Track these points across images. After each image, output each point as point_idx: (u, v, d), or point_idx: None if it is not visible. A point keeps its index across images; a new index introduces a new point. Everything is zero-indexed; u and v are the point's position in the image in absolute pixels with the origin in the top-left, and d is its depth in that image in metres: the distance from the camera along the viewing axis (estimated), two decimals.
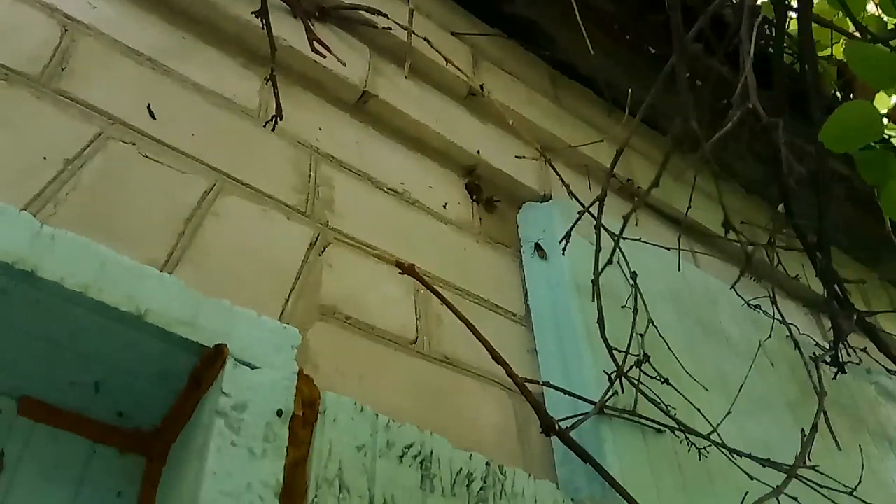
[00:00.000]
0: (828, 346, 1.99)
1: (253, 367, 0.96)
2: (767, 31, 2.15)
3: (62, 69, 1.22)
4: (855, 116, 1.46)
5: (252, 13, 1.40)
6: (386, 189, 1.55)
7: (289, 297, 1.21)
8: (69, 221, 1.02)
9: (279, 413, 0.93)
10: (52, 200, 1.05)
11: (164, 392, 0.98)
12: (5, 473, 0.91)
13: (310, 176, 1.43)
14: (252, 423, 0.89)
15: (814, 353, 1.97)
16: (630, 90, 1.76)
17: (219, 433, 0.86)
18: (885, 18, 2.33)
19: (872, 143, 1.69)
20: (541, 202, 1.81)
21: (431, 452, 1.05)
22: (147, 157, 1.21)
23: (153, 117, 1.27)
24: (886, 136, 2.18)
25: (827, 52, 2.39)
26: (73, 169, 1.11)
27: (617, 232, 1.56)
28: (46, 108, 1.15)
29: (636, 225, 1.85)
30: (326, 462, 0.94)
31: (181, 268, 1.11)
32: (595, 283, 1.35)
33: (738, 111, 1.27)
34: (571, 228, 1.46)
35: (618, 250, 1.57)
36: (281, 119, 1.37)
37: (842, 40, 2.23)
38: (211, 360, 0.95)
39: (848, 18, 1.79)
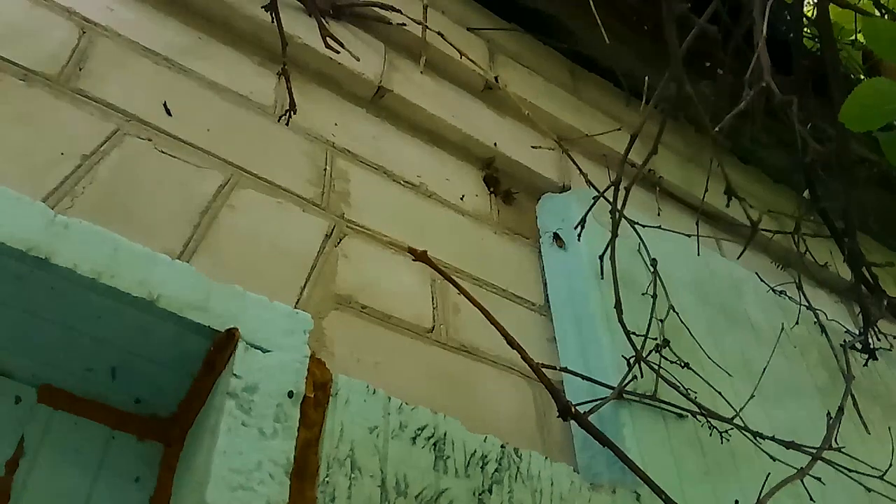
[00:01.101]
0: (858, 333, 1.96)
1: (264, 351, 0.97)
2: (787, 17, 2.13)
3: (80, 69, 1.25)
4: (875, 94, 1.44)
5: (262, 7, 1.42)
6: (402, 182, 1.56)
7: (304, 286, 1.23)
8: (86, 214, 1.04)
9: (290, 394, 0.94)
10: (70, 194, 1.08)
11: (179, 377, 1.00)
12: (25, 459, 0.93)
13: (325, 170, 1.44)
14: (263, 404, 0.91)
15: (843, 341, 1.93)
16: (647, 78, 1.75)
17: (229, 413, 0.88)
18: None
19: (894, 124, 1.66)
20: (559, 193, 1.81)
21: (445, 434, 1.05)
22: (163, 152, 1.24)
23: (169, 114, 1.30)
24: None
25: (851, 37, 2.36)
26: (90, 164, 1.14)
27: (635, 219, 1.56)
28: (64, 106, 1.18)
29: (658, 215, 1.84)
30: (338, 443, 0.95)
31: (197, 258, 1.13)
32: (611, 262, 1.34)
33: (752, 90, 1.25)
34: (587, 213, 1.46)
35: (638, 238, 1.56)
36: (294, 113, 1.39)
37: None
38: (223, 344, 0.97)
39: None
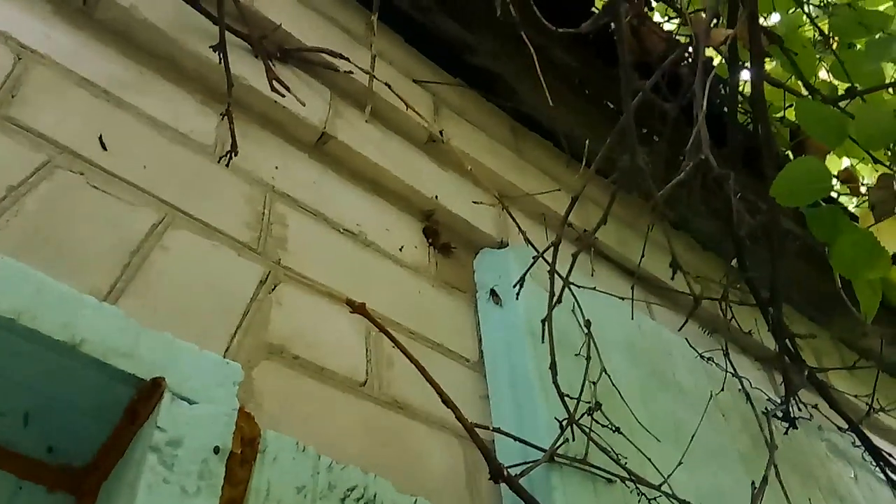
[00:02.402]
0: (779, 401, 2.00)
1: (191, 402, 0.93)
2: (722, 91, 2.21)
3: (12, 96, 1.20)
4: (804, 172, 1.50)
5: (210, 47, 1.40)
6: (342, 230, 1.54)
7: (235, 333, 1.19)
8: (9, 249, 0.99)
9: (216, 450, 0.89)
10: None
11: (97, 426, 0.94)
12: None
13: (263, 213, 1.41)
14: (187, 460, 0.86)
15: (766, 408, 1.97)
16: (588, 141, 1.78)
17: (150, 469, 0.83)
18: (836, 83, 2.41)
19: (821, 202, 1.73)
20: (497, 249, 1.81)
21: (375, 496, 1.02)
22: (95, 187, 1.19)
23: (104, 148, 1.25)
24: (835, 195, 2.23)
25: (780, 115, 2.46)
26: (17, 196, 1.08)
27: (570, 279, 1.57)
28: None
29: (592, 275, 1.86)
30: (264, 502, 0.91)
31: (124, 300, 1.08)
32: (548, 324, 1.34)
33: (690, 161, 1.28)
34: (526, 272, 1.46)
35: (573, 298, 1.57)
36: (236, 154, 1.36)
37: (794, 103, 2.29)
38: (148, 393, 0.92)
39: (799, 81, 1.86)
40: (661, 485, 1.35)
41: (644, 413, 1.58)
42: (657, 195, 1.24)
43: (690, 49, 1.68)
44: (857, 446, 2.27)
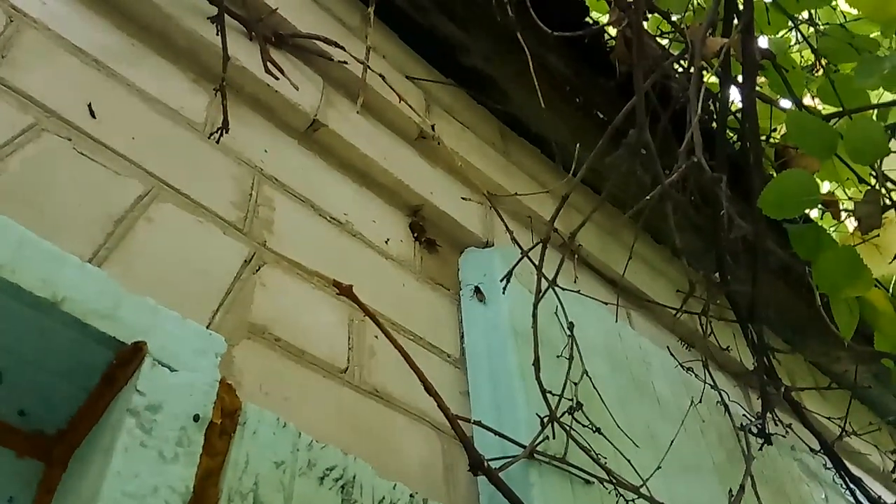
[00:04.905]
0: (755, 417, 2.00)
1: (172, 370, 0.90)
2: (711, 107, 2.23)
3: (2, 56, 1.17)
4: (793, 184, 1.51)
5: (208, 18, 1.38)
6: (329, 218, 1.52)
7: (217, 310, 1.16)
8: None
9: (196, 418, 0.87)
10: None
11: (72, 390, 0.91)
12: None
13: (250, 195, 1.39)
14: (165, 425, 0.84)
15: (741, 424, 1.97)
16: (577, 146, 1.78)
17: (128, 432, 0.80)
18: (823, 108, 2.44)
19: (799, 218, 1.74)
20: (482, 248, 1.80)
21: (354, 477, 1.00)
22: (82, 153, 1.16)
23: (93, 116, 1.23)
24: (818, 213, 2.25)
25: (764, 136, 2.48)
26: (2, 155, 1.06)
27: (553, 279, 1.56)
28: None
29: (575, 282, 1.85)
30: (242, 475, 0.88)
31: (106, 267, 1.05)
32: (533, 320, 1.33)
33: (682, 164, 1.28)
34: (513, 268, 1.45)
35: (556, 299, 1.56)
36: (227, 131, 1.34)
37: (783, 120, 2.31)
38: (128, 358, 0.89)
39: (790, 97, 1.87)
40: (640, 487, 1.34)
41: (621, 419, 1.57)
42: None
43: (685, 56, 1.69)
44: (829, 468, 2.28)
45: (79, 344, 0.88)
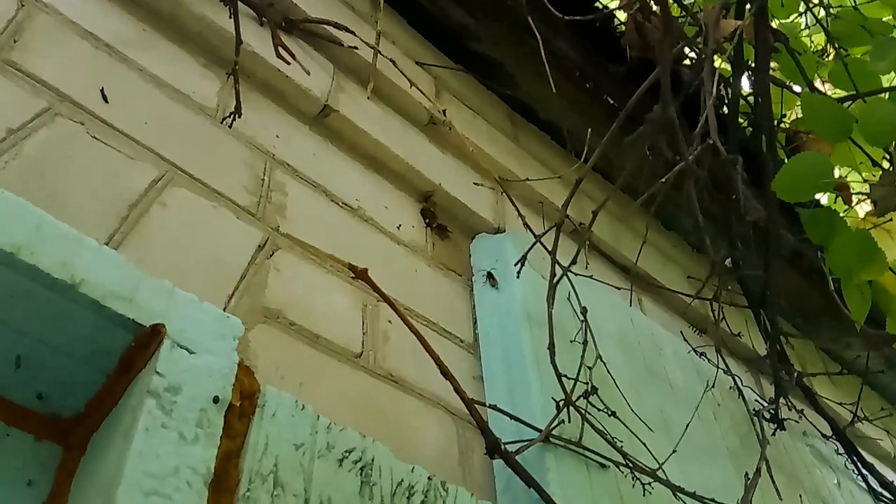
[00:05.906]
0: (767, 402, 1.99)
1: (191, 352, 0.90)
2: (723, 92, 2.21)
3: (14, 41, 1.17)
4: (808, 166, 1.49)
5: (220, 0, 1.37)
6: (341, 203, 1.51)
7: (232, 295, 1.16)
8: (6, 189, 0.96)
9: (215, 400, 0.87)
10: None
11: (91, 373, 0.91)
12: None
13: (263, 180, 1.39)
14: (186, 407, 0.83)
15: (754, 409, 1.97)
16: (590, 131, 1.76)
17: (149, 413, 0.80)
18: (832, 92, 2.42)
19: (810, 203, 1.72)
20: (494, 234, 1.80)
21: (373, 460, 1.00)
22: (96, 138, 1.16)
23: (106, 101, 1.22)
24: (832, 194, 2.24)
25: (776, 120, 2.46)
26: (16, 139, 1.05)
27: (568, 265, 1.55)
28: None
29: (586, 268, 1.85)
30: (262, 457, 0.88)
31: (121, 251, 1.04)
32: (549, 304, 1.32)
33: (697, 146, 1.27)
34: (526, 253, 1.44)
35: (569, 285, 1.55)
36: (240, 116, 1.34)
37: (794, 106, 2.29)
38: (146, 341, 0.89)
39: (803, 81, 1.86)
40: (656, 470, 1.34)
41: (635, 404, 1.57)
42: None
43: (699, 40, 1.67)
44: (841, 454, 2.28)
45: (97, 327, 0.88)
